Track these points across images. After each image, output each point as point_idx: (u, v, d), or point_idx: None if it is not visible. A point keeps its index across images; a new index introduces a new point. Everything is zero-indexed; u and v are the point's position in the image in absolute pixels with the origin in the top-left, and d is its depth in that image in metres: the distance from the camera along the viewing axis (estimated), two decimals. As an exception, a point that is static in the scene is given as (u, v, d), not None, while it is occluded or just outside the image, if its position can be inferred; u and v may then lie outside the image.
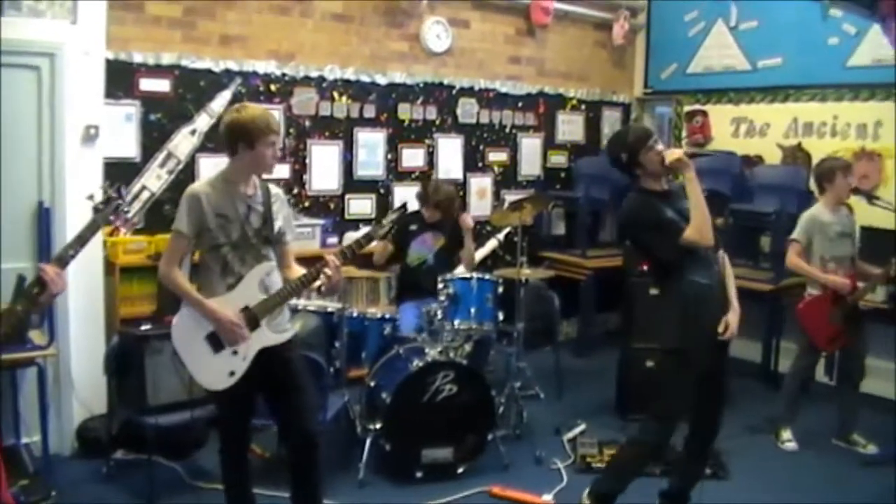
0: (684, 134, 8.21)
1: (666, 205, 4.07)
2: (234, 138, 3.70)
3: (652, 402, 4.29)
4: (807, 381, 5.81)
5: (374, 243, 4.35)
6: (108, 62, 5.47)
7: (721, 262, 4.20)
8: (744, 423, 5.92)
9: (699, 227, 3.95)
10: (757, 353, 7.01)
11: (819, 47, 7.06)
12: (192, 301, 3.72)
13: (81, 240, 3.02)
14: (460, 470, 4.98)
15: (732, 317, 4.09)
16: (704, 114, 8.05)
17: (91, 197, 3.21)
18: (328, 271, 3.77)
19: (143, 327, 4.90)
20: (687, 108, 8.21)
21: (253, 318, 3.74)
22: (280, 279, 3.88)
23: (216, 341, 3.72)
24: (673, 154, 4.04)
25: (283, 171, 6.40)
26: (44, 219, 5.05)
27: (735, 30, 7.77)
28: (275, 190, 3.96)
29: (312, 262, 3.93)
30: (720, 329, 4.03)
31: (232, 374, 3.74)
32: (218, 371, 3.74)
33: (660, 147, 4.10)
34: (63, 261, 2.98)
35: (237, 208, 3.75)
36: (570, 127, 8.29)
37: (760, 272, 6.95)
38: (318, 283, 3.84)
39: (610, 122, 8.55)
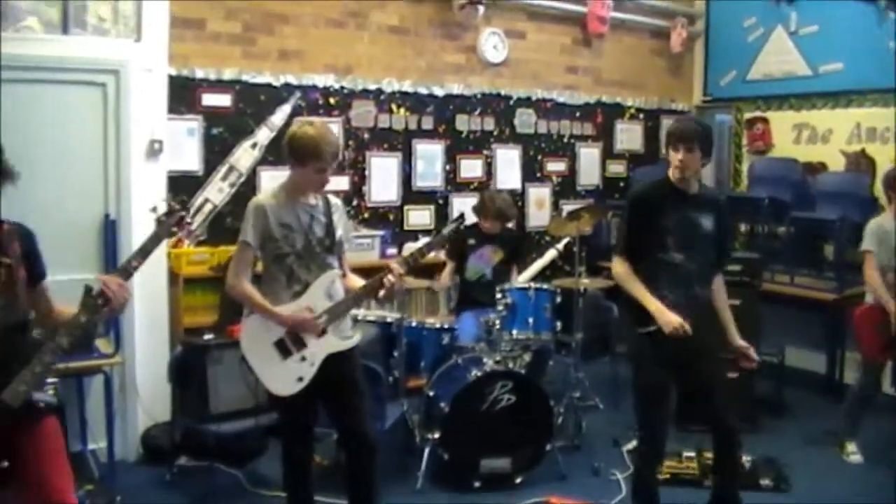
0: (745, 142, 8.12)
1: (674, 205, 4.03)
2: (289, 152, 3.80)
3: None
4: (872, 393, 5.69)
5: (433, 253, 4.40)
6: (171, 78, 5.60)
7: (716, 288, 4.23)
8: (807, 436, 5.82)
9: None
10: (821, 364, 6.89)
11: (880, 51, 6.93)
12: (261, 310, 3.80)
13: (144, 252, 3.07)
14: (518, 480, 4.97)
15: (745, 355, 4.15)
16: (765, 121, 7.95)
17: (154, 209, 3.27)
18: (391, 278, 3.87)
19: (206, 337, 5.00)
20: (747, 116, 8.12)
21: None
22: (342, 287, 3.96)
23: (284, 348, 3.80)
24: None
25: (342, 182, 6.48)
26: (110, 230, 5.18)
27: (795, 35, 7.66)
28: (334, 200, 4.04)
29: (373, 273, 4.03)
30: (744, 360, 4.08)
31: (300, 379, 3.81)
32: (286, 377, 3.81)
33: (680, 155, 3.99)
34: (126, 272, 3.04)
35: (300, 218, 3.83)
36: (628, 136, 8.26)
37: (823, 281, 6.80)
38: (381, 290, 3.92)
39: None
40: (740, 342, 4.22)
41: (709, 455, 5.10)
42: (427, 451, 4.95)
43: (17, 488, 2.98)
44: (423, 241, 5.41)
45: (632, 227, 4.12)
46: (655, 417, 4.18)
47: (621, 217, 4.27)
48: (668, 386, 4.16)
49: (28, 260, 3.01)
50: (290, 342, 3.82)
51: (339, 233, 3.96)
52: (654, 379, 4.10)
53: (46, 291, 3.13)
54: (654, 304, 3.96)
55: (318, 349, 3.84)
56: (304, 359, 3.82)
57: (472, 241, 5.90)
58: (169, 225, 3.23)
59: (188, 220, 3.30)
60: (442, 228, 4.38)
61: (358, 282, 4.02)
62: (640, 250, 4.06)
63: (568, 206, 7.61)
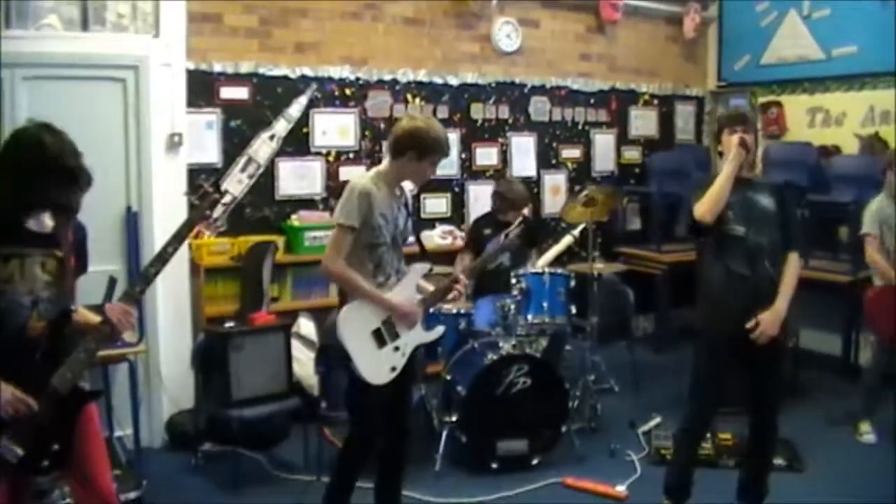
0: (759, 126, 8.12)
1: (735, 192, 4.04)
2: (408, 144, 3.81)
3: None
4: (887, 374, 5.72)
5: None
6: (189, 72, 5.70)
7: (788, 261, 4.11)
8: (822, 416, 5.88)
9: (707, 198, 3.98)
10: (836, 346, 6.93)
11: (893, 34, 6.92)
12: (366, 293, 3.79)
13: (180, 237, 3.13)
14: (535, 462, 5.06)
15: (767, 315, 3.99)
16: (779, 105, 7.96)
17: (190, 192, 3.32)
18: (461, 288, 4.05)
19: (228, 325, 5.08)
20: (762, 100, 8.13)
21: None
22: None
23: (380, 337, 3.84)
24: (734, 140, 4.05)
25: (359, 172, 6.49)
26: (132, 223, 5.29)
27: (808, 19, 7.67)
28: (407, 192, 4.10)
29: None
30: (749, 325, 3.98)
31: (393, 369, 3.87)
32: (381, 366, 3.84)
33: (740, 135, 4.06)
34: (129, 298, 3.11)
35: (393, 209, 3.88)
36: (643, 122, 8.28)
37: (839, 264, 6.84)
38: (451, 295, 4.05)
39: (683, 117, 8.53)
40: (778, 304, 4.06)
41: (724, 436, 5.21)
42: (445, 433, 5.05)
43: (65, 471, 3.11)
44: (490, 247, 5.55)
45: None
46: (708, 398, 4.23)
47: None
48: (725, 368, 4.15)
49: (76, 253, 3.12)
50: (386, 332, 3.85)
51: (409, 225, 4.05)
52: (714, 359, 4.13)
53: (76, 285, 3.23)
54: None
55: (410, 340, 3.93)
56: (397, 349, 3.88)
57: (487, 231, 5.97)
58: (203, 208, 3.29)
59: (218, 197, 3.33)
60: (507, 235, 4.62)
61: None
62: (709, 230, 4.07)
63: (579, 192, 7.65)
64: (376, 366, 3.83)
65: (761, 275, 4.03)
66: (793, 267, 4.12)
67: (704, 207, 3.98)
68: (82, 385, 3.11)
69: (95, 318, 3.12)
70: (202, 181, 3.41)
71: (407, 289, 3.92)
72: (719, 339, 4.08)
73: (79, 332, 3.03)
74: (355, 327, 3.79)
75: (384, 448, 4.08)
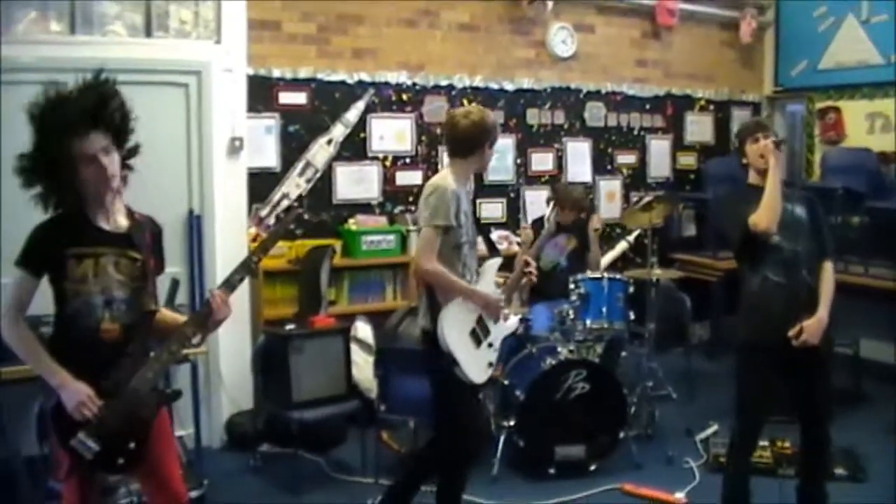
0: (817, 132, 8.04)
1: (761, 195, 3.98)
2: (482, 138, 3.88)
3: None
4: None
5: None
6: (249, 78, 5.77)
7: (823, 269, 4.06)
8: (883, 426, 5.77)
9: (765, 208, 3.89)
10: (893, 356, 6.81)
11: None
12: (462, 289, 3.83)
13: (265, 248, 3.21)
14: (592, 467, 5.04)
15: (810, 323, 3.92)
16: (837, 110, 7.86)
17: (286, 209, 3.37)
18: (532, 269, 4.13)
19: (288, 327, 5.13)
20: (819, 106, 8.03)
21: None
22: None
23: (476, 337, 3.89)
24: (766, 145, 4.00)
25: (415, 177, 6.60)
26: (195, 226, 5.37)
27: (866, 24, 7.56)
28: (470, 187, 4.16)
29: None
30: (792, 332, 3.92)
31: (490, 364, 3.95)
32: (480, 364, 3.91)
33: (764, 142, 4.00)
34: (247, 267, 3.17)
35: (469, 207, 3.97)
36: (698, 128, 8.23)
37: (900, 272, 6.75)
38: (524, 280, 4.16)
39: (740, 122, 8.37)
40: (820, 311, 4.00)
41: (783, 445, 5.13)
42: (503, 438, 5.05)
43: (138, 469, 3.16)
44: (543, 243, 5.64)
45: (733, 229, 4.08)
46: (753, 410, 4.17)
47: (725, 230, 4.24)
48: (768, 378, 4.09)
49: (153, 253, 3.17)
50: (480, 330, 3.90)
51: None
52: (756, 369, 4.08)
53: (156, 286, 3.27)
54: None
55: (499, 333, 3.99)
56: (490, 345, 3.94)
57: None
58: (288, 221, 3.35)
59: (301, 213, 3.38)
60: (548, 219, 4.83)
61: None
62: (748, 240, 4.02)
63: (635, 199, 7.62)
64: (477, 365, 3.89)
65: (799, 283, 3.99)
66: (828, 274, 4.08)
67: (766, 218, 3.89)
68: (161, 386, 3.16)
69: (180, 318, 3.18)
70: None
71: (488, 285, 3.98)
72: (760, 349, 4.03)
73: (161, 333, 3.09)
74: (456, 330, 3.82)
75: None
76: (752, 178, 4.11)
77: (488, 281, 3.99)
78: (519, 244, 6.15)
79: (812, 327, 3.91)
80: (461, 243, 3.85)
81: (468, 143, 3.89)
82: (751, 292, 4.07)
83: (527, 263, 4.12)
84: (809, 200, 4.16)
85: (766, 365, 4.04)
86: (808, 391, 4.12)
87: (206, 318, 3.08)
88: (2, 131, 4.50)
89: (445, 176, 3.91)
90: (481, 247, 4.17)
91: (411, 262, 3.93)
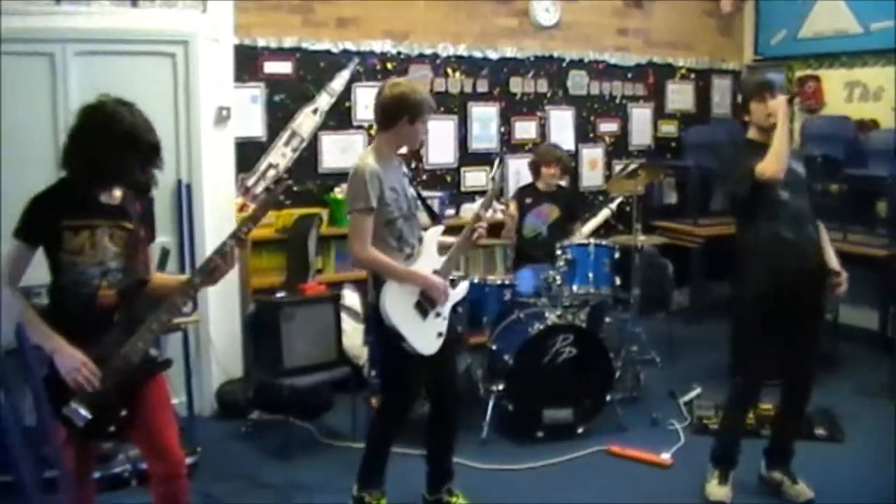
0: (797, 100, 8.10)
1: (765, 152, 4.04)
2: (398, 112, 3.80)
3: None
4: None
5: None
6: (235, 48, 5.74)
7: (820, 227, 4.20)
8: (859, 389, 5.91)
9: (773, 154, 3.96)
10: (873, 321, 6.94)
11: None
12: (399, 274, 3.83)
13: (255, 217, 3.25)
14: (580, 430, 5.12)
15: (840, 275, 4.09)
16: (817, 79, 7.92)
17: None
18: (483, 225, 4.05)
19: (279, 295, 5.16)
20: (799, 74, 8.08)
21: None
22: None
23: (422, 308, 3.88)
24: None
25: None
26: (183, 195, 5.38)
27: (846, -7, 7.63)
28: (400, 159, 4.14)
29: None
30: (838, 279, 4.04)
31: (440, 335, 3.95)
32: (429, 335, 3.91)
33: (772, 101, 4.08)
34: (236, 238, 3.20)
35: (400, 180, 3.93)
36: (679, 96, 8.28)
37: (876, 238, 6.84)
38: (475, 235, 4.06)
39: (720, 91, 8.51)
40: (835, 265, 4.18)
41: (765, 407, 5.20)
42: (491, 402, 5.12)
43: (132, 436, 3.22)
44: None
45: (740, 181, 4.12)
46: (757, 365, 4.26)
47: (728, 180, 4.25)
48: (771, 334, 4.16)
49: (144, 223, 3.22)
50: (425, 301, 3.89)
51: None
52: (761, 324, 4.14)
53: (148, 255, 3.32)
54: None
55: (447, 302, 3.98)
56: (438, 314, 3.94)
57: (528, 200, 6.02)
58: (276, 193, 3.39)
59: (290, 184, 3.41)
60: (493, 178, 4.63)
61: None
62: (756, 195, 4.08)
63: (620, 167, 7.68)
64: (425, 337, 3.89)
65: (807, 238, 4.09)
66: (825, 233, 4.23)
67: (774, 166, 3.94)
68: (154, 354, 3.20)
69: (178, 279, 3.22)
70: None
71: (429, 256, 3.98)
72: (769, 304, 4.08)
73: (154, 300, 3.13)
74: (399, 306, 3.83)
75: (435, 413, 4.18)
76: (753, 133, 4.18)
77: (428, 252, 3.98)
78: (503, 212, 6.21)
79: (843, 277, 4.07)
80: (392, 219, 3.82)
81: (387, 115, 3.85)
82: (758, 248, 4.11)
83: (478, 218, 4.07)
84: (806, 159, 4.24)
85: (771, 321, 4.10)
86: (802, 348, 4.23)
87: (213, 269, 3.13)
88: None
89: (366, 154, 3.90)
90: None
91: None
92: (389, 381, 4.11)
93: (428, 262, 3.96)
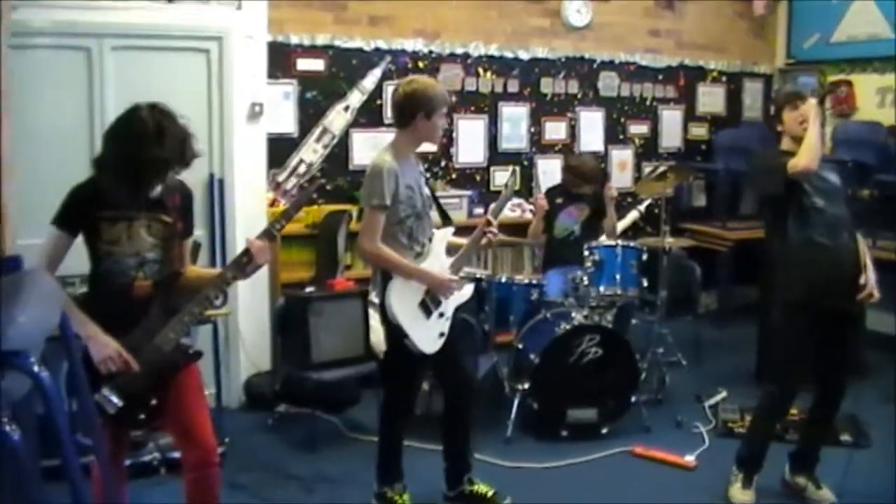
0: (828, 105, 8.04)
1: None
2: (414, 108, 3.85)
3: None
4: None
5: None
6: (268, 44, 5.80)
7: (857, 236, 4.18)
8: (884, 395, 5.86)
9: (805, 148, 3.96)
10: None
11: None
12: (406, 271, 3.87)
13: (287, 215, 3.32)
14: (604, 430, 5.14)
15: (871, 281, 4.06)
16: (849, 84, 7.86)
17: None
18: (494, 230, 4.11)
19: (308, 290, 5.22)
20: (831, 79, 8.00)
21: None
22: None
23: (426, 307, 3.93)
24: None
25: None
26: (216, 189, 5.45)
27: (879, -2, 7.58)
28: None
29: (462, 232, 4.28)
30: (863, 283, 4.02)
31: (441, 335, 3.99)
32: (431, 335, 3.96)
33: (803, 106, 4.09)
34: (270, 234, 3.28)
35: (416, 178, 3.98)
36: (710, 99, 8.25)
37: (907, 244, 6.81)
38: (484, 240, 4.12)
39: (751, 94, 8.48)
40: (870, 274, 4.13)
41: (791, 412, 5.20)
42: (516, 401, 5.14)
43: (163, 424, 3.29)
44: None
45: (774, 181, 4.13)
46: (794, 370, 4.25)
47: (763, 186, 4.30)
48: (807, 339, 4.15)
49: (182, 216, 3.27)
50: (430, 301, 3.94)
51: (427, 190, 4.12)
52: (798, 330, 4.14)
53: (188, 249, 3.40)
54: None
55: (451, 302, 4.02)
56: (441, 314, 3.98)
57: (559, 200, 6.02)
58: (310, 192, 3.46)
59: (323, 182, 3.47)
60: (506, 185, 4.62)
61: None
62: (790, 201, 4.09)
63: (649, 168, 7.69)
64: (427, 335, 3.94)
65: (844, 246, 4.07)
66: (864, 244, 4.20)
67: (805, 159, 3.94)
68: (186, 344, 3.26)
69: (211, 272, 3.28)
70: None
71: (437, 257, 4.02)
72: (804, 309, 4.08)
73: (189, 292, 3.18)
74: (404, 304, 3.87)
75: (450, 409, 4.21)
76: (786, 144, 4.19)
77: (436, 252, 4.01)
78: (532, 213, 6.21)
79: (872, 284, 4.04)
80: (404, 217, 3.86)
81: (404, 112, 3.89)
82: (795, 254, 4.11)
83: (488, 223, 4.11)
84: (839, 170, 4.24)
85: (808, 327, 4.09)
86: (838, 356, 4.22)
87: (245, 264, 3.19)
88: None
89: (384, 152, 3.93)
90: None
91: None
92: (390, 376, 4.20)
93: (436, 261, 4.00)
